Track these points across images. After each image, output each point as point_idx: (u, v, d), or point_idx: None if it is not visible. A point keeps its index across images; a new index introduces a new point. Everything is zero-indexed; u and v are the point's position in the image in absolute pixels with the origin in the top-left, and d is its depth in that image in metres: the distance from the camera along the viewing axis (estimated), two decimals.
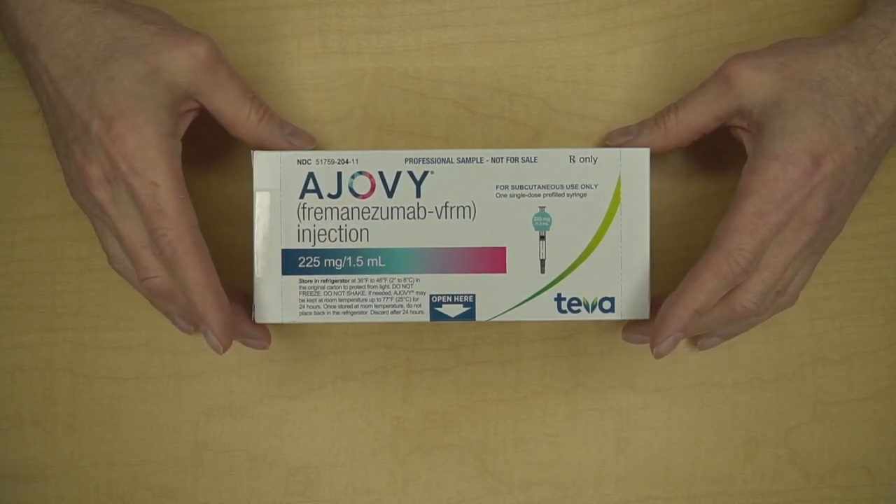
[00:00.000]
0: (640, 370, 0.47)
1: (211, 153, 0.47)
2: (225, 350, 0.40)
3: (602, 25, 0.47)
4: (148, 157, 0.39)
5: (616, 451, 0.47)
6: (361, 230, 0.42)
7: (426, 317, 0.42)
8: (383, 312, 0.42)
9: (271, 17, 0.47)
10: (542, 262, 0.42)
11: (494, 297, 0.42)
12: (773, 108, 0.40)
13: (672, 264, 0.47)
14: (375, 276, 0.42)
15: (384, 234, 0.42)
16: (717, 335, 0.45)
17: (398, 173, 0.42)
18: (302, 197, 0.42)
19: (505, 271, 0.42)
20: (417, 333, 0.48)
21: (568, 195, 0.42)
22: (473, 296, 0.42)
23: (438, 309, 0.42)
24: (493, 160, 0.42)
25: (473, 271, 0.42)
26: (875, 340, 0.47)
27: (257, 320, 0.42)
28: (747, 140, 0.42)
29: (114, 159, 0.39)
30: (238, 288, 0.46)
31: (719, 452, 0.47)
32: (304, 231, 0.42)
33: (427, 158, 0.42)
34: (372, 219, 0.42)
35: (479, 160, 0.42)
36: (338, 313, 0.42)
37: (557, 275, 0.42)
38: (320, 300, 0.42)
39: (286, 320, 0.42)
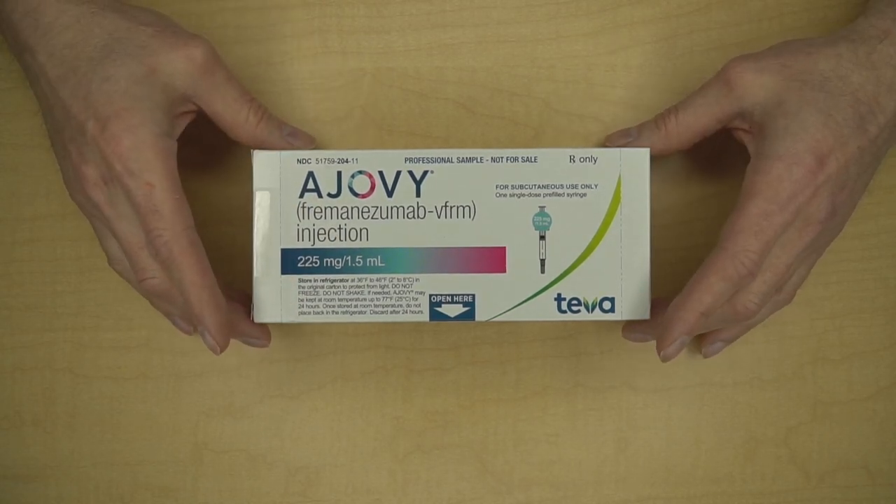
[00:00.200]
0: (640, 370, 0.47)
1: (211, 153, 0.47)
2: (222, 350, 0.40)
3: (602, 25, 0.47)
4: (143, 158, 0.39)
5: (616, 451, 0.47)
6: (361, 230, 0.42)
7: (426, 317, 0.42)
8: (383, 312, 0.42)
9: (271, 17, 0.47)
10: (542, 261, 0.42)
11: (494, 297, 0.42)
12: (776, 108, 0.40)
13: (672, 264, 0.47)
14: (375, 276, 0.42)
15: (384, 234, 0.42)
16: (721, 340, 0.45)
17: (398, 173, 0.42)
18: (301, 196, 0.42)
19: (505, 271, 0.42)
20: (417, 333, 0.48)
21: (568, 195, 0.42)
22: (473, 296, 0.42)
23: (438, 309, 0.42)
24: (493, 160, 0.42)
25: (473, 271, 0.42)
26: (875, 340, 0.47)
27: (256, 320, 0.42)
28: (749, 142, 0.42)
29: (109, 160, 0.39)
30: (237, 287, 0.46)
31: (719, 452, 0.47)
32: (303, 230, 0.42)
33: (427, 158, 0.42)
34: (371, 218, 0.42)
35: (479, 160, 0.42)
36: (337, 313, 0.42)
37: (557, 275, 0.42)
38: (319, 300, 0.42)
39: (285, 320, 0.42)
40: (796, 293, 0.43)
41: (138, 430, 0.47)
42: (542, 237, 0.42)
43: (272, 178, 0.42)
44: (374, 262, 0.42)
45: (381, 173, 0.42)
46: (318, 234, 0.42)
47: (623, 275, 0.42)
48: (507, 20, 0.47)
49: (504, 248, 0.42)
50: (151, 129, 0.39)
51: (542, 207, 0.42)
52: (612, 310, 0.42)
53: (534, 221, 0.42)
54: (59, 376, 0.47)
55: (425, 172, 0.42)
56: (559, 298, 0.42)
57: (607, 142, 0.45)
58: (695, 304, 0.39)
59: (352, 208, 0.42)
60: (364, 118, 0.47)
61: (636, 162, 0.42)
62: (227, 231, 0.47)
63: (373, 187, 0.42)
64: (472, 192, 0.42)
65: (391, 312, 0.42)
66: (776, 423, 0.47)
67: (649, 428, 0.47)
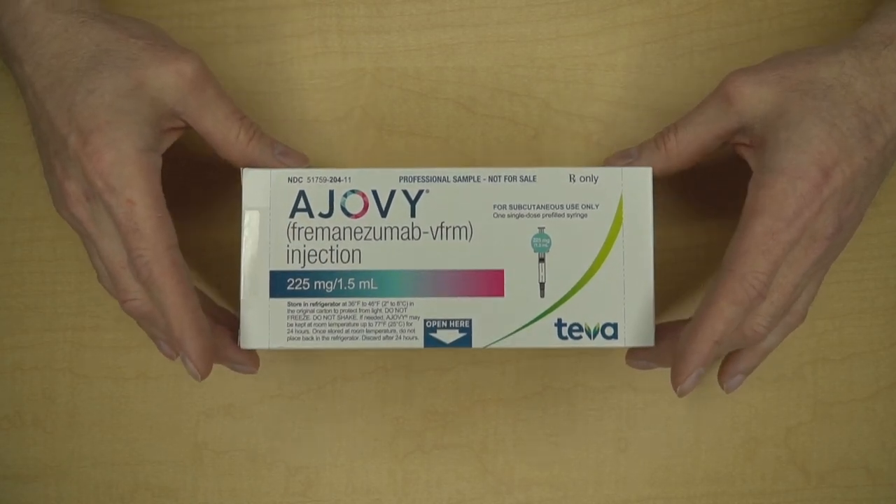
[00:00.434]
0: (640, 370, 0.47)
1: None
2: (203, 377, 0.39)
3: (602, 25, 0.47)
4: (125, 174, 0.37)
5: (616, 451, 0.47)
6: (353, 251, 0.40)
7: (420, 343, 0.40)
8: (375, 338, 0.40)
9: (271, 17, 0.47)
10: (542, 285, 0.40)
11: (492, 323, 0.40)
12: (777, 120, 0.38)
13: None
14: (367, 300, 0.40)
15: (377, 256, 0.40)
16: (740, 372, 0.43)
17: (392, 192, 0.41)
18: (292, 216, 0.41)
19: (503, 295, 0.40)
20: None
21: (568, 215, 0.40)
22: (470, 321, 0.40)
23: (433, 335, 0.40)
24: (491, 179, 0.41)
25: (470, 295, 0.40)
26: (875, 340, 0.47)
27: (242, 346, 0.40)
28: (751, 156, 0.40)
29: (90, 176, 0.37)
30: (225, 310, 0.44)
31: (719, 452, 0.47)
32: (293, 252, 0.41)
33: (422, 177, 0.41)
34: (364, 239, 0.40)
35: (475, 179, 0.41)
36: (327, 339, 0.40)
37: (557, 299, 0.40)
38: (309, 325, 0.40)
39: (273, 346, 0.40)
40: (807, 311, 0.42)
41: (138, 430, 0.47)
42: (542, 259, 0.40)
43: (262, 197, 0.41)
44: (366, 284, 0.40)
45: (374, 192, 0.41)
46: (309, 255, 0.41)
47: (626, 299, 0.40)
48: (507, 20, 0.47)
49: (502, 271, 0.40)
50: (135, 144, 0.38)
51: (541, 228, 0.40)
52: (614, 336, 0.40)
53: (533, 243, 0.40)
54: (59, 376, 0.47)
55: (420, 192, 0.41)
56: (559, 324, 0.40)
57: (607, 163, 0.43)
58: (707, 332, 0.37)
59: (344, 229, 0.41)
60: (364, 118, 0.47)
61: (638, 181, 0.40)
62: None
63: (366, 207, 0.41)
64: (469, 212, 0.40)
65: (384, 338, 0.40)
66: (776, 424, 0.47)
67: (649, 428, 0.47)
